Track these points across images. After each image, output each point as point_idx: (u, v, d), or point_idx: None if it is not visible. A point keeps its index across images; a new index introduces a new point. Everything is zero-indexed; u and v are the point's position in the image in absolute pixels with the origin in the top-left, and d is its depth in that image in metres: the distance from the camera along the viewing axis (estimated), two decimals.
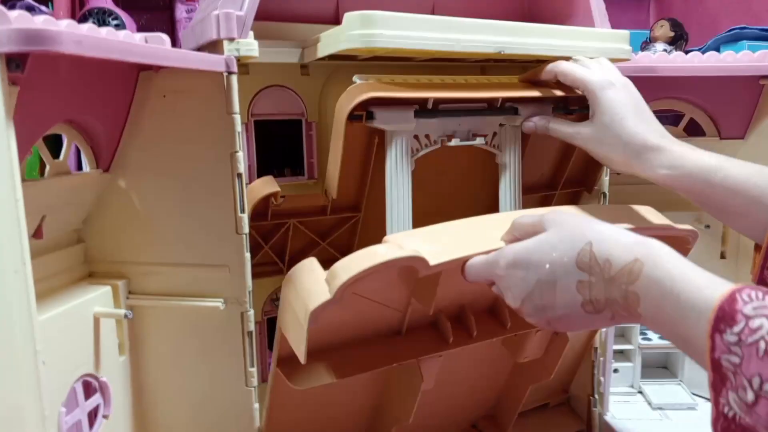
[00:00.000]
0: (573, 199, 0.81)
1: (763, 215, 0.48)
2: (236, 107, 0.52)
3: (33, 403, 0.38)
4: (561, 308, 0.43)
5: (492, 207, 0.71)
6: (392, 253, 0.44)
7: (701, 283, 0.36)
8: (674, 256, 0.39)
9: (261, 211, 0.59)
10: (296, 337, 0.47)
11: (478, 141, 0.61)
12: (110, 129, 0.52)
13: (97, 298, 0.52)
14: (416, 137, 0.58)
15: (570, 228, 0.44)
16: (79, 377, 0.50)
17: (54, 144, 0.51)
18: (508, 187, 0.64)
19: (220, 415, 0.57)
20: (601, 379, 0.80)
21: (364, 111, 0.54)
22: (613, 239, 0.42)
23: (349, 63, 0.67)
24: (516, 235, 0.49)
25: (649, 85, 0.90)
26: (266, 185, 0.57)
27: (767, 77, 0.87)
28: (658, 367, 0.98)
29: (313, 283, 0.46)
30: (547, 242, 0.44)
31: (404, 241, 0.47)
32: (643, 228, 0.56)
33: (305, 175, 0.68)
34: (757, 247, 0.50)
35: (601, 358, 0.79)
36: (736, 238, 0.99)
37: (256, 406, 0.56)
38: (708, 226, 0.98)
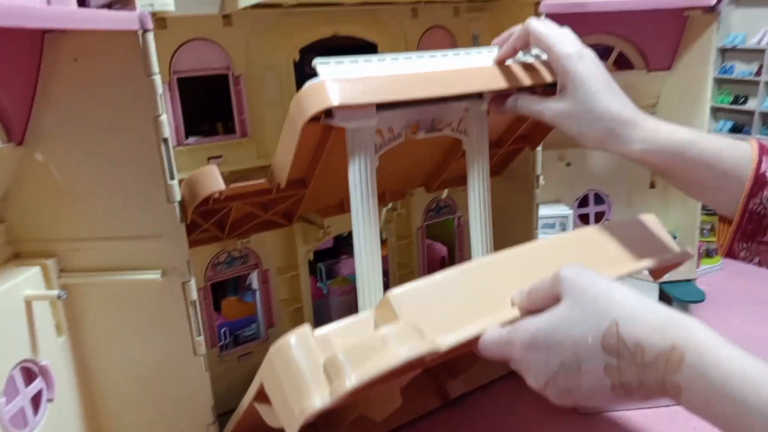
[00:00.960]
0: (514, 155, 0.80)
1: (735, 189, 0.47)
2: (155, 67, 0.48)
3: None
4: (588, 391, 0.40)
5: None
6: (412, 350, 0.39)
7: (759, 381, 0.34)
8: (717, 342, 0.36)
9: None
10: (285, 416, 0.41)
11: (445, 131, 0.58)
12: (18, 98, 0.48)
13: (27, 280, 0.50)
14: (379, 131, 0.54)
15: (591, 300, 0.40)
16: (17, 364, 0.48)
17: None
18: (476, 172, 0.61)
19: (171, 386, 0.56)
20: None
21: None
22: (642, 319, 0.38)
23: (274, 11, 0.64)
24: (530, 306, 0.45)
25: (579, 21, 0.91)
26: (209, 180, 0.51)
27: (691, 8, 0.89)
28: None
29: (309, 372, 0.39)
30: (567, 319, 0.40)
31: (408, 312, 0.43)
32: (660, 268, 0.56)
33: (237, 133, 0.65)
34: (722, 219, 0.51)
35: None
36: None
37: (207, 373, 0.56)
38: None
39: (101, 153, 0.51)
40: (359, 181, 0.52)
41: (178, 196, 0.51)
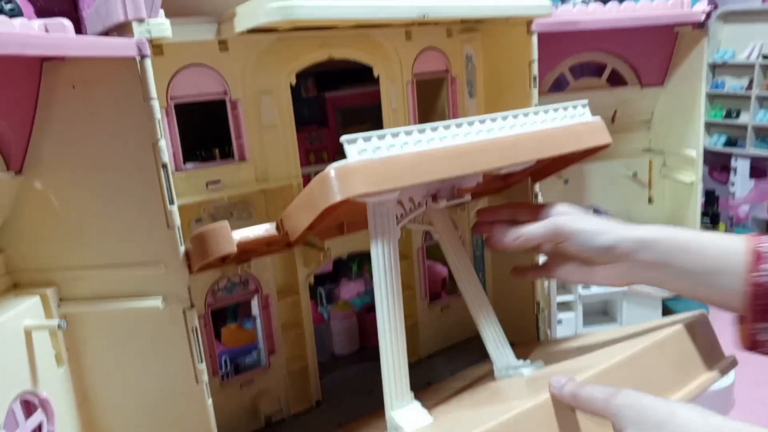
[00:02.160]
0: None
1: (735, 268, 0.48)
2: (153, 93, 0.48)
3: None
4: None
5: None
6: None
7: None
8: None
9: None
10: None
11: (466, 198, 0.59)
12: (16, 126, 0.48)
13: (26, 310, 0.49)
14: (400, 202, 0.54)
15: (655, 428, 0.39)
16: (17, 396, 0.47)
17: None
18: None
19: (173, 415, 0.55)
20: (548, 331, 0.83)
21: None
22: None
23: (270, 36, 0.64)
24: (579, 407, 0.46)
25: (572, 39, 0.92)
26: (221, 240, 0.51)
27: (682, 25, 0.90)
28: (598, 314, 1.02)
29: None
30: None
31: None
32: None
33: (236, 157, 0.65)
34: (737, 318, 0.50)
35: (546, 311, 0.82)
36: (662, 183, 1.03)
37: (210, 402, 0.55)
38: (635, 174, 1.01)
39: (100, 180, 0.50)
40: (381, 254, 0.52)
41: (177, 222, 0.51)
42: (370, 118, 0.78)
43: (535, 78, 0.76)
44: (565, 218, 0.58)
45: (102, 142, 0.50)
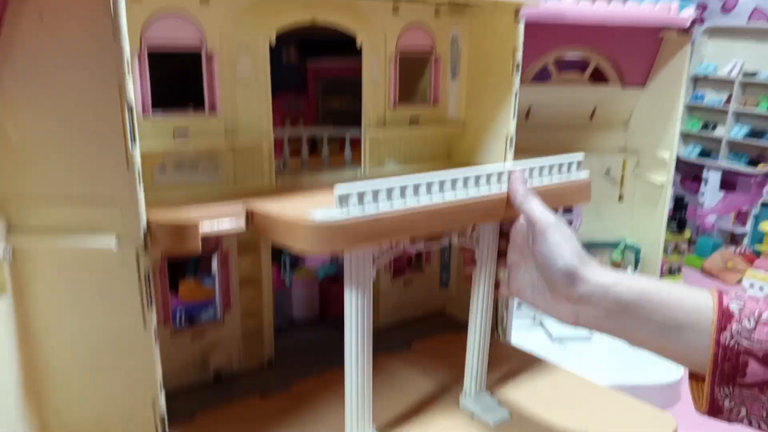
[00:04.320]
0: None
1: (701, 326, 0.45)
2: (124, 33, 0.48)
3: None
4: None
5: None
6: None
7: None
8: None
9: None
10: None
11: (444, 242, 0.59)
12: None
13: None
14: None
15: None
16: None
17: None
18: (483, 278, 0.63)
19: (118, 359, 0.55)
20: (504, 312, 0.84)
21: None
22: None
23: None
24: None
25: (558, 32, 0.92)
26: (189, 240, 0.52)
27: (666, 29, 0.91)
28: None
29: None
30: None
31: None
32: None
33: (206, 110, 0.65)
34: (693, 376, 0.47)
35: (505, 299, 0.83)
36: (633, 183, 1.04)
37: (156, 349, 0.55)
38: (608, 171, 1.03)
39: (62, 113, 0.50)
40: (356, 298, 0.53)
41: (138, 164, 0.50)
42: (350, 91, 0.78)
43: (518, 65, 0.76)
44: (546, 216, 0.54)
45: (67, 75, 0.49)
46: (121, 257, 0.52)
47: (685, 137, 1.37)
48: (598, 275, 0.50)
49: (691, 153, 1.37)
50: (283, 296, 0.91)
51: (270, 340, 0.77)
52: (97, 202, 0.51)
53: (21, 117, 0.50)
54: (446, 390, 0.70)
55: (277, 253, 1.06)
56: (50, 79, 0.49)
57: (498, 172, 0.57)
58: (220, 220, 0.55)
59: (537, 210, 0.54)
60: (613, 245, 1.06)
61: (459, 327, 0.87)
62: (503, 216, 0.58)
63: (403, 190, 0.51)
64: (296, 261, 1.08)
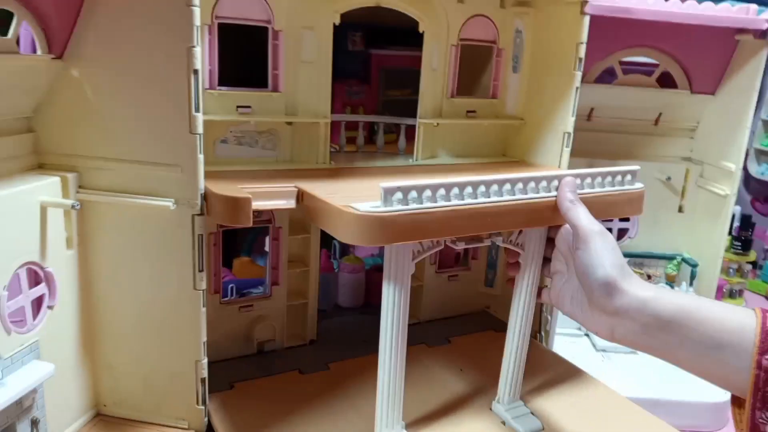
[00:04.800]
0: None
1: (742, 347, 0.44)
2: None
3: None
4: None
5: None
6: None
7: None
8: None
9: None
10: None
11: (486, 242, 0.58)
12: (64, 13, 0.50)
13: (45, 188, 0.52)
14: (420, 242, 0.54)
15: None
16: (23, 264, 0.50)
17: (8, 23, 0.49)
18: (526, 282, 0.61)
19: (167, 315, 0.57)
20: (548, 317, 0.82)
21: None
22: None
23: None
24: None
25: (626, 31, 0.90)
26: (241, 214, 0.52)
27: (743, 32, 0.87)
28: None
29: None
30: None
31: None
32: None
33: (269, 87, 0.67)
34: (735, 401, 0.46)
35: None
36: (696, 194, 1.01)
37: (203, 309, 0.57)
38: (669, 178, 0.99)
39: (134, 77, 0.52)
40: (394, 291, 0.53)
41: (200, 129, 0.52)
42: (413, 83, 0.78)
43: (580, 60, 0.74)
44: (591, 225, 0.52)
45: (140, 40, 0.51)
46: (178, 219, 0.54)
47: (759, 154, 1.31)
48: (638, 288, 0.48)
49: (765, 172, 1.31)
50: (330, 281, 0.92)
51: (313, 320, 0.78)
52: (160, 165, 0.53)
53: (97, 78, 0.53)
54: (480, 391, 0.69)
55: (328, 239, 1.08)
56: (126, 42, 0.52)
57: (547, 177, 0.56)
58: (272, 198, 0.57)
59: (582, 217, 0.53)
60: (669, 258, 1.03)
61: (501, 327, 0.86)
62: (549, 222, 0.57)
63: (448, 189, 0.51)
64: (346, 248, 1.09)
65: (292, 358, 0.74)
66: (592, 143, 0.97)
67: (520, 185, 0.54)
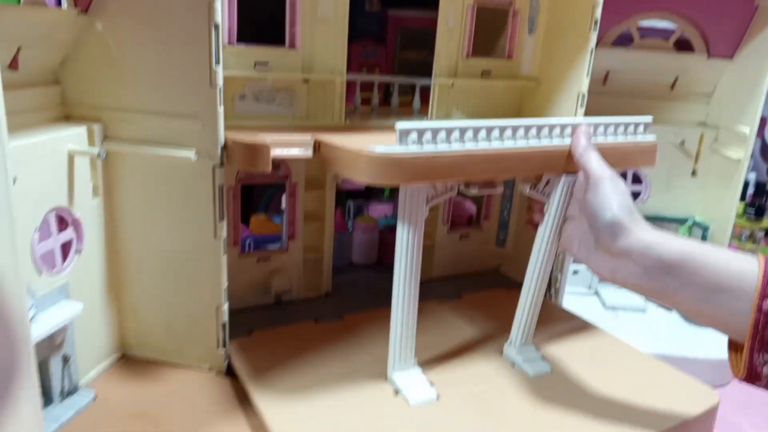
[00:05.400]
0: None
1: (744, 293, 0.45)
2: None
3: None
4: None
5: None
6: None
7: None
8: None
9: None
10: None
11: (498, 189, 0.60)
12: None
13: (72, 137, 0.54)
14: (433, 185, 0.55)
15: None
16: (53, 209, 0.52)
17: None
18: (547, 232, 0.61)
19: (189, 263, 0.60)
20: (558, 275, 0.84)
21: None
22: None
23: None
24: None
25: None
26: (260, 159, 0.54)
27: None
28: None
29: None
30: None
31: None
32: None
33: (286, 44, 0.68)
34: (732, 346, 0.47)
35: (561, 257, 0.83)
36: (709, 158, 1.01)
37: (224, 257, 0.59)
38: (683, 142, 0.99)
39: (156, 30, 0.54)
40: (408, 234, 0.54)
41: (220, 82, 0.54)
42: (429, 44, 0.79)
43: (596, 22, 0.74)
44: (603, 169, 0.53)
45: None
46: (200, 170, 0.56)
47: None
48: (643, 232, 0.49)
49: None
50: (344, 239, 0.95)
51: (328, 274, 0.80)
52: (181, 117, 0.55)
53: (121, 32, 0.55)
54: (490, 339, 0.71)
55: (343, 199, 1.10)
56: None
57: (561, 124, 0.57)
58: (289, 146, 0.58)
59: (594, 162, 0.54)
60: (681, 221, 1.04)
61: (512, 285, 0.88)
62: (563, 169, 0.59)
63: (462, 132, 0.52)
64: (360, 208, 1.12)
65: (308, 308, 0.76)
66: (607, 107, 0.97)
67: (534, 131, 0.56)
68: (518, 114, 0.87)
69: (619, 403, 0.59)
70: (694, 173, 1.01)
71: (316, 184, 0.77)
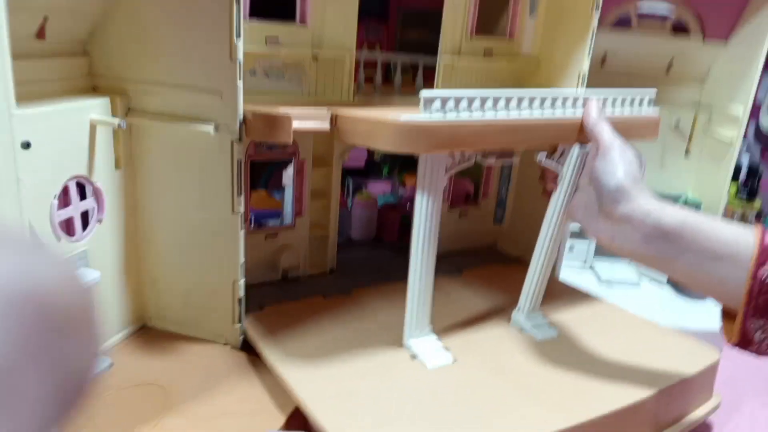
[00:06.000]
0: None
1: (739, 260, 0.46)
2: None
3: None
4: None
5: None
6: None
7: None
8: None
9: None
10: None
11: (515, 160, 0.62)
12: None
13: (95, 107, 0.54)
14: (451, 154, 0.57)
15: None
16: (73, 177, 0.53)
17: None
18: (559, 200, 0.64)
19: (208, 238, 0.61)
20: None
21: None
22: None
23: None
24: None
25: None
26: (282, 131, 0.56)
27: None
28: None
29: None
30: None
31: None
32: None
33: (297, 19, 0.69)
34: (726, 314, 0.49)
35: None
36: (702, 139, 1.03)
37: (242, 231, 0.60)
38: (678, 124, 1.02)
39: (180, 3, 0.54)
40: (426, 202, 0.56)
41: (240, 56, 0.55)
42: (430, 24, 0.80)
43: (598, 4, 0.76)
44: (613, 139, 0.55)
45: None
46: (219, 143, 0.57)
47: None
48: (645, 199, 0.51)
49: None
50: (344, 216, 0.96)
51: (333, 250, 0.82)
52: (201, 91, 0.56)
53: (147, 5, 0.55)
54: (496, 309, 0.73)
55: (342, 180, 1.11)
56: None
57: (576, 97, 0.59)
58: (307, 119, 0.59)
59: (605, 132, 0.56)
60: (674, 198, 1.07)
61: (509, 261, 0.90)
62: (575, 140, 0.61)
63: (483, 101, 0.54)
64: (359, 186, 1.13)
65: (314, 284, 0.78)
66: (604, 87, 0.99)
67: (549, 102, 0.58)
68: None
69: (623, 363, 0.62)
70: (687, 153, 1.04)
71: (322, 162, 0.78)
